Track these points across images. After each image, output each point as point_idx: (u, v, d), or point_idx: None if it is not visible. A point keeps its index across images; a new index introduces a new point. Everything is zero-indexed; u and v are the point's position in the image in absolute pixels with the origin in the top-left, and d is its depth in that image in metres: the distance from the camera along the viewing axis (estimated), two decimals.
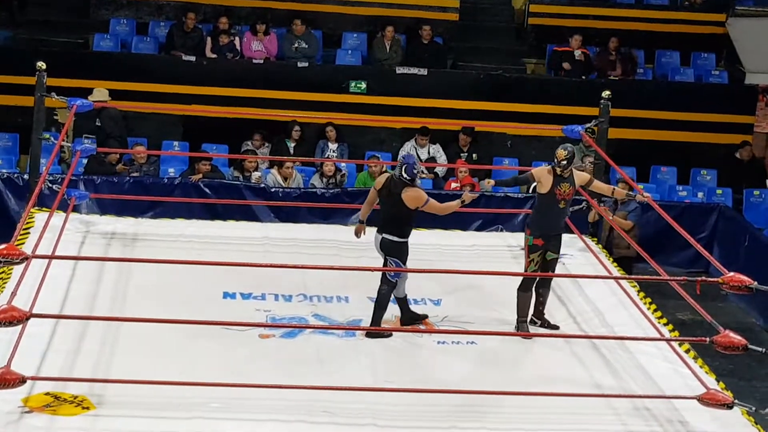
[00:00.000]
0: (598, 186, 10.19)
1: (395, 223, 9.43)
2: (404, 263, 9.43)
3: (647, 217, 13.21)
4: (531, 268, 9.67)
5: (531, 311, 9.76)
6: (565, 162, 9.63)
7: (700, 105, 17.05)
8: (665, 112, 16.79)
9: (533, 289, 9.78)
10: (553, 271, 9.88)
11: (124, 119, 15.48)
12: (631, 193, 10.96)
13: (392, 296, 9.52)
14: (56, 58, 14.60)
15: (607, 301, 10.33)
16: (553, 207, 9.68)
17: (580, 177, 9.87)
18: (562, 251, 11.48)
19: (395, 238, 9.42)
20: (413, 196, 9.35)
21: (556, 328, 9.84)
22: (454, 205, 9.58)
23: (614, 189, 10.40)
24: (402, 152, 15.98)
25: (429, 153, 15.90)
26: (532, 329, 9.74)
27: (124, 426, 7.54)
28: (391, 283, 9.43)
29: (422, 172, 9.45)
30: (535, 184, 9.89)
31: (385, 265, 9.46)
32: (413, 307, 9.80)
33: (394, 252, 9.43)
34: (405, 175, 9.36)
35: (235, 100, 16.25)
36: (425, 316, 9.72)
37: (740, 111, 17.17)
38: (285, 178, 14.71)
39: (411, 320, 9.61)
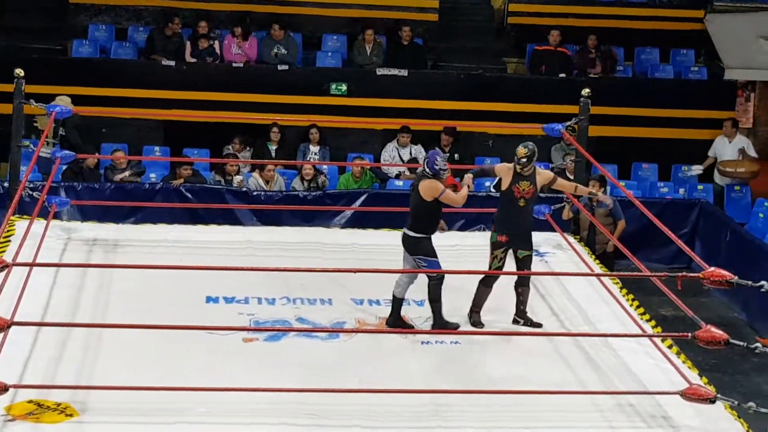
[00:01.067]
0: (562, 184, 10.21)
1: (414, 217, 9.57)
2: (434, 259, 9.50)
3: (629, 213, 13.22)
4: (495, 265, 9.70)
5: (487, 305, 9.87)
6: (524, 159, 9.65)
7: (680, 101, 17.07)
8: (645, 108, 16.80)
9: (513, 288, 9.83)
10: (529, 268, 9.91)
11: (88, 129, 15.39)
12: (593, 191, 10.96)
13: (398, 296, 9.63)
14: (35, 65, 14.56)
15: (590, 298, 10.36)
16: (513, 204, 9.74)
17: (543, 176, 9.89)
18: (544, 249, 11.56)
19: (411, 233, 9.54)
20: (429, 186, 9.47)
21: (540, 326, 9.86)
22: (465, 192, 9.74)
23: (577, 186, 10.42)
24: (384, 153, 15.99)
25: (411, 153, 15.90)
26: (516, 328, 9.76)
27: None
28: (435, 277, 9.47)
29: (444, 169, 9.48)
30: (497, 179, 9.94)
31: (414, 265, 9.55)
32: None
33: (414, 249, 9.54)
34: (427, 170, 9.50)
35: (216, 104, 16.22)
36: (411, 326, 9.68)
37: (720, 107, 17.19)
38: (267, 181, 14.70)
39: (395, 324, 9.60)
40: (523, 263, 9.87)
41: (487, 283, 9.74)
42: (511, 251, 9.84)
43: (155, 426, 7.65)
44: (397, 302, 9.66)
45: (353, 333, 9.37)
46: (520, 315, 9.90)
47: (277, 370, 8.62)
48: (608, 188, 13.93)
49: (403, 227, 9.66)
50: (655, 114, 16.85)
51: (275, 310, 9.89)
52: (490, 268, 9.74)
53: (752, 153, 16.21)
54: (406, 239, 9.58)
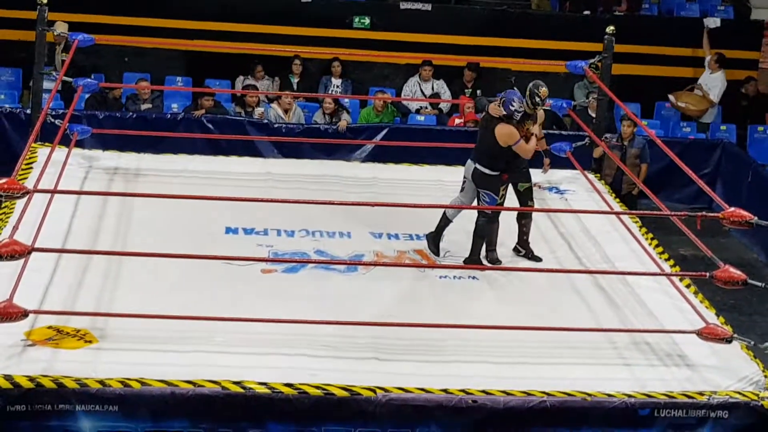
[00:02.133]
0: (537, 131, 10.00)
1: (487, 155, 9.47)
2: (498, 197, 9.47)
3: (651, 152, 13.17)
4: (498, 201, 9.61)
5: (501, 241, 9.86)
6: (546, 100, 9.61)
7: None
8: (670, 47, 16.71)
9: (516, 220, 9.89)
10: (531, 198, 9.98)
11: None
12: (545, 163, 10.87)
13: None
14: None
15: (609, 236, 10.34)
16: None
17: (540, 117, 9.85)
18: (564, 187, 11.55)
19: (486, 170, 9.47)
20: (504, 133, 9.35)
21: (539, 259, 9.85)
22: (535, 144, 9.59)
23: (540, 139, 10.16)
24: (406, 87, 15.95)
25: (433, 89, 15.85)
26: (515, 258, 9.83)
27: (126, 359, 7.58)
28: (488, 215, 9.48)
29: (520, 111, 9.33)
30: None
31: (478, 198, 9.53)
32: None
33: (485, 184, 9.48)
34: (501, 109, 9.35)
35: (238, 35, 16.19)
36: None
37: (746, 47, 17.09)
38: (285, 111, 14.67)
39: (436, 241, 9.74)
40: (525, 195, 9.92)
41: (492, 219, 9.70)
42: (511, 185, 9.82)
43: (173, 354, 7.70)
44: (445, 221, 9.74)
45: (371, 266, 9.39)
46: (523, 245, 9.92)
47: (295, 302, 8.65)
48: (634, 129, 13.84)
49: (473, 161, 9.55)
50: (680, 53, 16.76)
51: (294, 242, 9.91)
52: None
53: (712, 96, 15.94)
54: (476, 174, 9.51)
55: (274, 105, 14.87)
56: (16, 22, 15.43)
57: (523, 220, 9.92)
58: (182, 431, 7.32)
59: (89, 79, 12.61)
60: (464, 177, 9.72)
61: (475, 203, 9.67)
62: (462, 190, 9.80)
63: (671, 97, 15.94)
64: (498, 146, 9.39)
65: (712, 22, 16.24)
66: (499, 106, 9.39)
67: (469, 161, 9.64)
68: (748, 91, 16.59)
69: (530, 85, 9.62)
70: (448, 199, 10.24)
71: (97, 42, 11.89)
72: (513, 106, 9.32)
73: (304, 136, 14.21)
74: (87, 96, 14.14)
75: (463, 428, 7.46)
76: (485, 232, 9.58)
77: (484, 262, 9.66)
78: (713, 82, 16.00)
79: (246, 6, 16.55)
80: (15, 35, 15.59)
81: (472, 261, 9.57)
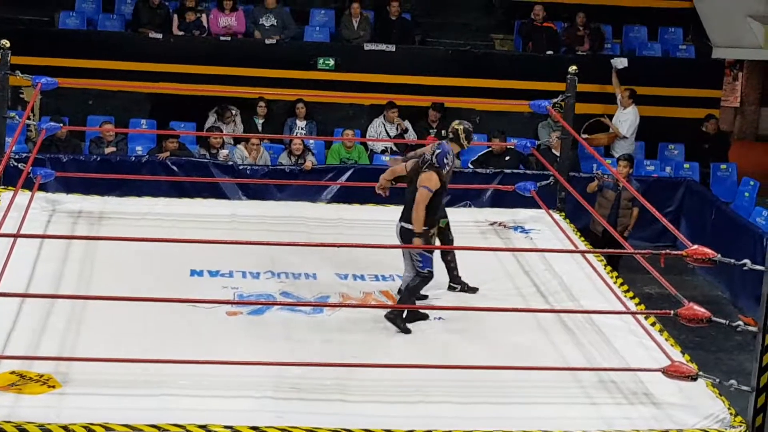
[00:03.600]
0: None
1: (411, 208, 9.13)
2: (430, 256, 9.09)
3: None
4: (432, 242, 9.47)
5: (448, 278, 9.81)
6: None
7: (668, 80, 17.11)
8: (633, 86, 16.82)
9: (441, 258, 9.78)
10: (451, 232, 9.91)
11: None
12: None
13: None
14: (21, 36, 14.53)
15: (574, 275, 10.36)
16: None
17: None
18: (529, 226, 11.60)
19: (409, 226, 9.13)
20: (424, 177, 9.07)
21: (475, 290, 9.83)
22: (420, 215, 9.09)
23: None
24: (371, 128, 15.99)
25: (397, 129, 15.89)
26: (456, 295, 9.79)
27: (90, 404, 7.52)
28: (422, 275, 9.10)
29: (450, 166, 9.23)
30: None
31: (410, 260, 9.18)
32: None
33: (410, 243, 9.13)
34: (434, 161, 9.08)
35: (203, 77, 16.21)
36: (425, 316, 9.34)
37: (707, 85, 17.25)
38: (251, 154, 14.68)
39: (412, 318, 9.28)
40: (446, 230, 9.85)
41: (427, 280, 9.27)
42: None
43: (138, 398, 7.65)
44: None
45: (337, 307, 9.37)
46: (455, 281, 9.85)
47: (261, 344, 8.61)
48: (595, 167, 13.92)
49: (399, 220, 9.29)
50: (643, 92, 16.87)
51: (259, 284, 9.87)
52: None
53: (622, 130, 16.03)
54: (403, 231, 9.20)
55: (240, 147, 14.87)
56: None
57: (448, 257, 9.80)
58: None
59: (52, 123, 12.57)
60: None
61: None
62: (404, 256, 9.39)
63: (585, 135, 16.02)
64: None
65: (620, 63, 16.36)
66: (432, 159, 9.07)
67: (397, 224, 9.32)
68: (708, 129, 16.73)
69: (463, 125, 9.49)
70: None
71: (60, 85, 11.88)
72: (447, 159, 9.12)
73: (269, 177, 14.21)
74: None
75: None
76: (416, 291, 9.19)
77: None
78: (624, 117, 16.13)
79: (210, 48, 16.58)
80: None
81: (395, 318, 9.08)
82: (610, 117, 16.16)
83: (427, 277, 9.18)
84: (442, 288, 9.92)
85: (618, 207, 12.78)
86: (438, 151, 9.15)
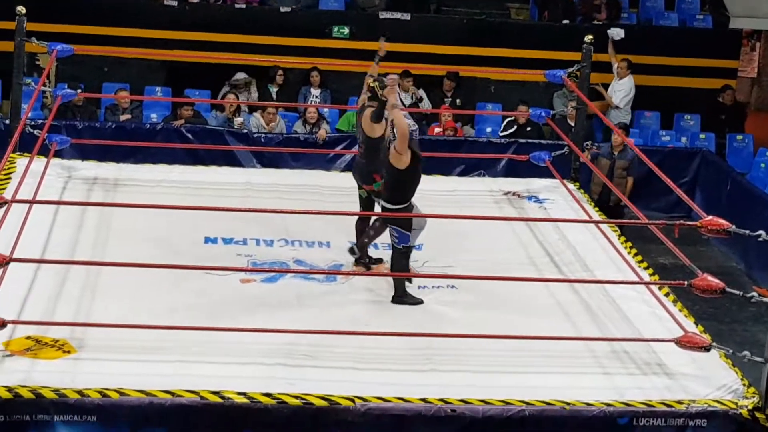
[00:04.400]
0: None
1: (389, 188, 9.06)
2: (410, 232, 9.04)
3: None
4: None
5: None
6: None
7: (684, 49, 17.03)
8: (649, 56, 16.76)
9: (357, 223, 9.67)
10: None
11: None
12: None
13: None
14: (37, 3, 14.47)
15: (588, 246, 10.36)
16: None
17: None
18: (543, 196, 11.61)
19: (387, 205, 9.10)
20: (392, 153, 8.90)
21: (380, 261, 9.72)
22: (399, 120, 8.80)
23: None
24: None
25: (412, 98, 15.86)
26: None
27: (104, 369, 7.56)
28: (400, 249, 9.03)
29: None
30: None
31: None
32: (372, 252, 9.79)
33: (390, 219, 9.07)
34: (391, 136, 8.98)
35: (218, 45, 16.19)
36: (420, 301, 9.17)
37: (724, 56, 17.16)
38: (268, 123, 14.68)
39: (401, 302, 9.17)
40: (369, 201, 9.63)
41: (407, 254, 9.19)
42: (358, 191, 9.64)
43: (151, 364, 7.68)
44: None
45: (350, 275, 9.39)
46: (362, 249, 9.61)
47: (274, 311, 8.65)
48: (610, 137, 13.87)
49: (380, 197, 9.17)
50: (659, 62, 16.81)
51: (273, 251, 9.90)
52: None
53: (615, 99, 15.89)
54: (383, 209, 9.11)
55: (256, 115, 14.86)
56: None
57: (367, 227, 9.57)
58: None
59: (68, 89, 12.59)
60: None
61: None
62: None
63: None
64: (397, 171, 8.91)
65: (616, 34, 16.21)
66: (393, 133, 8.89)
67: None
68: (725, 99, 16.66)
69: (378, 83, 9.29)
70: (426, 208, 10.26)
71: (76, 52, 11.88)
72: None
73: (283, 146, 14.20)
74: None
75: None
76: (399, 266, 9.04)
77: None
78: (619, 87, 15.97)
79: (226, 16, 16.55)
80: None
81: (400, 298, 9.09)
82: (606, 86, 16.06)
83: (405, 253, 9.05)
84: (456, 257, 9.93)
85: (612, 176, 12.73)
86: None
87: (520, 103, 15.24)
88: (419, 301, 9.08)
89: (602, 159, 12.95)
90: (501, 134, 15.18)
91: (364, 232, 9.59)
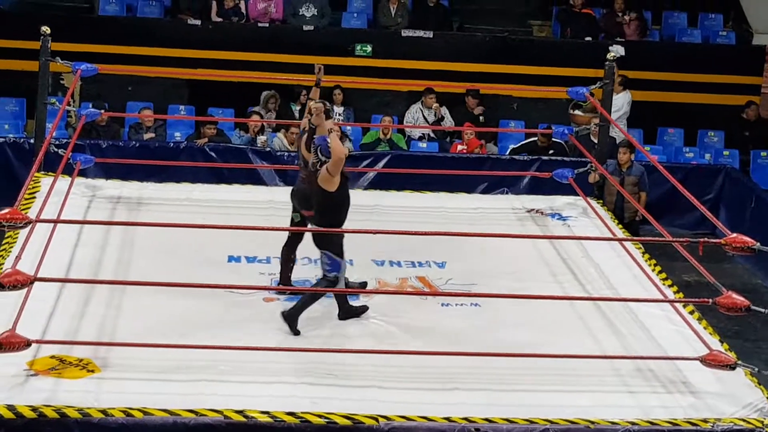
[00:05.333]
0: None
1: (319, 212, 8.85)
2: (341, 257, 8.81)
3: (653, 178, 13.17)
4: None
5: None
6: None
7: (708, 66, 16.97)
8: (672, 73, 16.71)
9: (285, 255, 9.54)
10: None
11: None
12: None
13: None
14: (62, 23, 14.60)
15: (612, 263, 10.33)
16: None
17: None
18: (566, 213, 11.58)
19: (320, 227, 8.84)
20: (323, 176, 8.65)
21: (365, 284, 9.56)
22: (335, 145, 8.60)
23: None
24: (408, 114, 15.96)
25: (435, 115, 15.86)
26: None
27: (128, 388, 7.58)
28: (330, 279, 8.79)
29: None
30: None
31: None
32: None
33: (323, 242, 8.78)
34: (321, 157, 8.70)
35: (241, 63, 16.22)
36: (365, 309, 9.16)
37: (747, 72, 17.08)
38: (291, 143, 14.70)
39: (348, 314, 9.10)
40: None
41: (335, 283, 8.97)
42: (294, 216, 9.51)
43: (175, 383, 7.69)
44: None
45: (374, 293, 9.39)
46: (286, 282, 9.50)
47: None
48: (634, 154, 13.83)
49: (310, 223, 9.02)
50: (682, 79, 16.75)
51: (296, 269, 9.89)
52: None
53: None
54: (316, 236, 8.84)
55: (280, 135, 14.89)
56: (20, 53, 15.46)
57: (293, 255, 9.48)
58: None
59: (92, 108, 12.66)
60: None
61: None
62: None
63: (570, 110, 15.77)
64: (329, 194, 8.70)
65: (617, 51, 16.06)
66: (318, 155, 8.69)
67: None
68: (748, 116, 16.58)
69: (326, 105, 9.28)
70: (449, 226, 10.27)
71: (100, 71, 11.94)
72: (330, 146, 8.65)
73: None
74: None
75: None
76: (318, 295, 8.84)
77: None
78: (615, 103, 15.84)
79: (248, 34, 16.59)
80: (19, 65, 15.63)
81: (347, 311, 9.03)
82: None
83: (333, 282, 8.81)
84: (479, 275, 9.92)
85: (621, 193, 12.67)
86: (320, 146, 8.78)
87: (544, 126, 15.22)
88: (365, 309, 9.02)
89: (612, 176, 12.90)
90: (509, 152, 15.12)
91: (289, 260, 9.44)
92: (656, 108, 16.73)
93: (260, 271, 9.87)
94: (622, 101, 15.76)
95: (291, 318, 8.73)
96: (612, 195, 12.64)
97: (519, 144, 15.26)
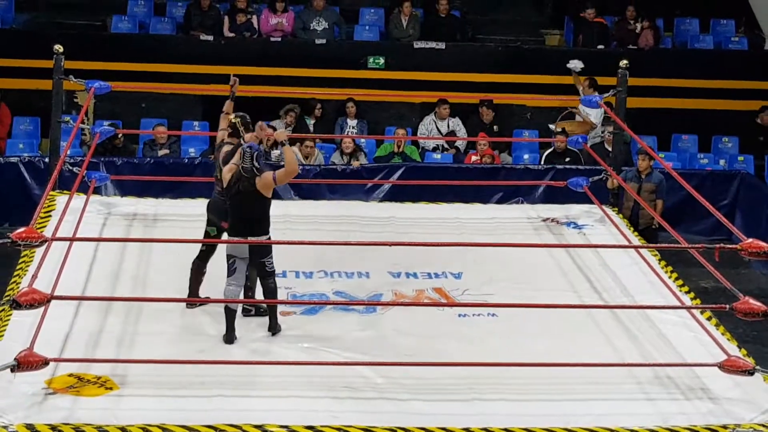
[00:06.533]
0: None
1: (257, 221, 8.82)
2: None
3: (669, 186, 13.15)
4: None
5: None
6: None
7: (720, 72, 16.94)
8: (685, 80, 16.68)
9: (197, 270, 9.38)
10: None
11: None
12: None
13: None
14: (74, 41, 14.64)
15: (628, 271, 10.31)
16: None
17: None
18: (582, 221, 11.57)
19: (254, 238, 8.78)
20: (264, 182, 8.72)
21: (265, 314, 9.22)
22: (290, 157, 8.79)
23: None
24: (422, 126, 15.97)
25: (449, 126, 15.87)
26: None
27: (147, 405, 7.59)
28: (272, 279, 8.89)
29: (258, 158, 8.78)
30: None
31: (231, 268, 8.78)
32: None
33: (264, 252, 8.82)
34: (256, 164, 8.67)
35: (254, 78, 16.21)
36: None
37: (761, 77, 17.04)
38: (306, 157, 14.71)
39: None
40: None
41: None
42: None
43: (193, 399, 7.70)
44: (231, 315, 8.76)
45: (390, 306, 9.39)
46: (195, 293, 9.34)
47: (314, 344, 8.66)
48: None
49: (244, 235, 8.79)
50: (695, 85, 16.72)
51: (312, 283, 9.92)
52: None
53: (592, 118, 15.69)
54: (252, 247, 8.75)
55: (294, 149, 14.89)
56: (34, 72, 15.52)
57: (204, 269, 9.32)
58: None
59: (105, 126, 12.70)
60: (229, 256, 8.80)
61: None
62: (230, 273, 8.80)
63: (552, 126, 15.74)
64: (265, 200, 8.78)
65: (576, 65, 16.00)
66: (253, 163, 8.64)
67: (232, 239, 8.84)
68: (763, 121, 16.55)
69: (240, 118, 9.32)
70: (465, 236, 10.22)
71: (113, 89, 11.98)
72: (261, 157, 8.72)
73: (321, 177, 14.22)
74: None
75: None
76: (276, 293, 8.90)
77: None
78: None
79: (261, 49, 16.62)
80: (33, 84, 15.68)
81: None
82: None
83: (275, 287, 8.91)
84: (495, 285, 9.91)
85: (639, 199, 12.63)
86: (256, 152, 8.74)
87: (561, 133, 15.21)
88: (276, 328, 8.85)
89: (629, 183, 12.87)
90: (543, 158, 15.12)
91: (200, 273, 9.33)
92: (670, 115, 16.70)
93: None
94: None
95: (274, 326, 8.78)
96: (630, 201, 12.61)
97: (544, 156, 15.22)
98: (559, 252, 10.70)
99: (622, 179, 12.52)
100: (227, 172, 8.83)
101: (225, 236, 9.09)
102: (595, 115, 15.62)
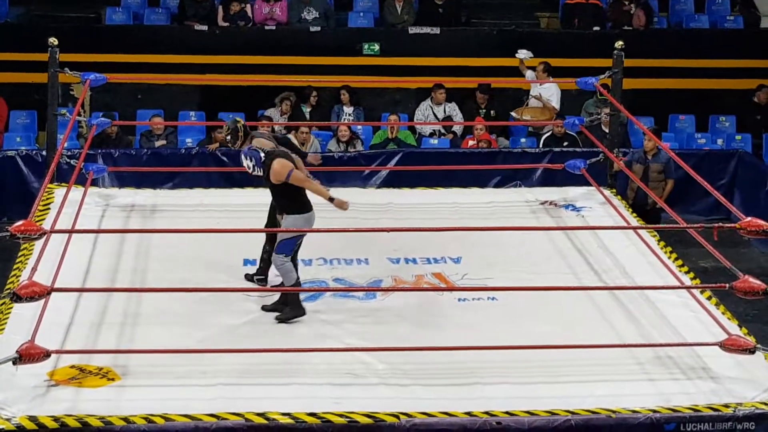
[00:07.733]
0: None
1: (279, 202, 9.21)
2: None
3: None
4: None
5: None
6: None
7: (717, 51, 16.93)
8: (681, 60, 16.69)
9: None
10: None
11: None
12: None
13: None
14: (69, 34, 14.63)
15: (627, 252, 10.32)
16: None
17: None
18: (580, 204, 11.57)
19: (291, 216, 9.14)
20: (276, 170, 9.00)
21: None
22: (317, 190, 9.18)
23: None
24: (418, 112, 15.96)
25: (445, 111, 15.86)
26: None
27: (149, 395, 7.60)
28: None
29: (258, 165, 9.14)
30: None
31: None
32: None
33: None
34: (257, 168, 9.08)
35: (249, 67, 16.24)
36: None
37: (757, 55, 17.04)
38: (302, 144, 14.70)
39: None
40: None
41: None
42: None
43: (195, 388, 7.71)
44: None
45: (390, 291, 9.39)
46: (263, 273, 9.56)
47: (315, 331, 8.66)
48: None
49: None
50: (691, 65, 16.73)
51: (312, 270, 9.92)
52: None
53: (553, 103, 15.70)
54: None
55: (290, 136, 14.89)
56: (29, 65, 15.52)
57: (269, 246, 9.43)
58: None
59: (102, 118, 12.70)
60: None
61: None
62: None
63: (513, 113, 15.73)
64: (279, 188, 9.06)
65: (524, 54, 15.94)
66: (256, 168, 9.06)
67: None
68: (760, 99, 16.56)
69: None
70: (463, 221, 10.21)
71: (109, 81, 11.97)
72: (255, 161, 9.02)
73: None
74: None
75: None
76: (288, 270, 8.99)
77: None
78: (548, 92, 15.75)
79: (255, 38, 16.61)
80: (28, 78, 15.68)
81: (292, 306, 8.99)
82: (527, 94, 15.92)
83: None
84: (495, 269, 9.92)
85: (647, 180, 12.64)
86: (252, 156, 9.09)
87: (557, 117, 15.22)
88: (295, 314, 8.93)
89: (635, 164, 12.88)
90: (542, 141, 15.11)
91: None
92: (667, 95, 16.71)
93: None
94: (555, 87, 15.70)
95: (292, 311, 8.83)
96: (636, 182, 12.63)
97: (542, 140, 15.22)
98: (557, 235, 10.70)
99: (629, 161, 12.54)
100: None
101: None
102: (555, 101, 15.64)
